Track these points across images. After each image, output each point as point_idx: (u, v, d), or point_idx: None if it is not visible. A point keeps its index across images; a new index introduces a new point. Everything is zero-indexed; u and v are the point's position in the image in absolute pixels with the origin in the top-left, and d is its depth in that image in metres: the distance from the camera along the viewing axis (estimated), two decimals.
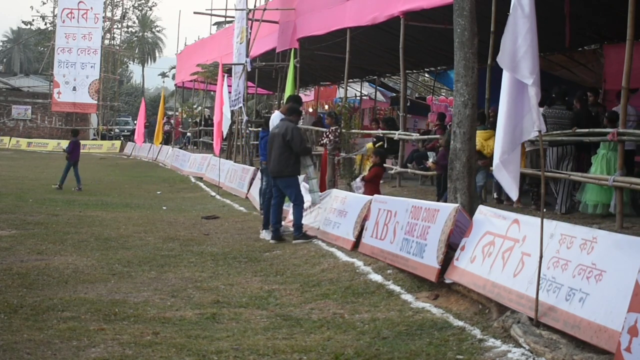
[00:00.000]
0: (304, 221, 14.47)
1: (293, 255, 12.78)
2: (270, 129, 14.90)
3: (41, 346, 7.32)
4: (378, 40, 25.33)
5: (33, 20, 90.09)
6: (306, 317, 8.72)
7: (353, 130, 21.90)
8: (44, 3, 79.00)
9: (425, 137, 21.19)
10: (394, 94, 36.85)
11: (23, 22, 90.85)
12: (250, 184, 22.01)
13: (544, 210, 7.88)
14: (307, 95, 44.44)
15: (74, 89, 59.78)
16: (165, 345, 7.40)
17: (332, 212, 14.25)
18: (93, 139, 61.71)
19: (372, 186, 15.69)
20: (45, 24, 76.94)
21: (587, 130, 13.31)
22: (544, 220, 7.55)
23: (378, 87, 38.17)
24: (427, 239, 10.12)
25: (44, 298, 9.30)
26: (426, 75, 38.69)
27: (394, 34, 20.41)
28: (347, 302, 9.43)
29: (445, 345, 7.40)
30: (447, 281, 9.48)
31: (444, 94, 40.88)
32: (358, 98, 38.69)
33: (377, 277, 10.56)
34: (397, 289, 9.90)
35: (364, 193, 15.22)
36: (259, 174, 19.36)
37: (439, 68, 31.36)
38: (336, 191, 15.25)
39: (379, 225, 11.98)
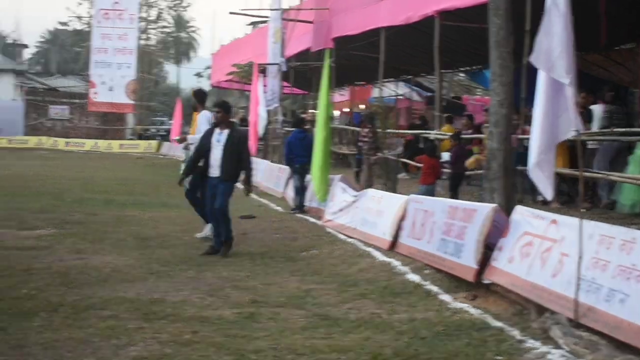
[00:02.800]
0: (343, 221, 14.54)
1: (330, 255, 12.79)
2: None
3: (81, 344, 7.39)
4: (412, 40, 25.30)
5: (69, 21, 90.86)
6: (344, 317, 8.73)
7: (388, 130, 21.88)
8: (80, 4, 79.81)
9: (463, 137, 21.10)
10: (430, 94, 36.79)
11: (60, 23, 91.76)
12: (287, 183, 22.04)
13: (583, 210, 7.84)
14: (342, 95, 44.46)
15: (111, 89, 60.21)
16: (203, 344, 7.45)
17: (369, 211, 14.26)
18: (130, 139, 62.06)
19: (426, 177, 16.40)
20: (82, 25, 77.55)
21: (623, 129, 13.24)
22: (583, 220, 7.52)
23: (413, 87, 38.12)
24: (464, 239, 10.10)
25: (84, 297, 9.39)
26: (461, 74, 38.59)
27: (428, 33, 20.37)
28: (385, 302, 9.43)
29: (484, 346, 7.39)
30: (485, 281, 9.46)
31: (479, 93, 40.74)
32: (393, 98, 38.66)
33: (414, 277, 10.56)
34: (435, 289, 9.89)
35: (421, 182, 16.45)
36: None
37: (474, 67, 31.25)
38: (372, 191, 15.25)
39: (415, 225, 11.98)
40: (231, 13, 42.77)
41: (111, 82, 60.03)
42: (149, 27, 70.48)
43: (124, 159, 39.75)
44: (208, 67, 74.95)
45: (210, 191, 13.14)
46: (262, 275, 11.24)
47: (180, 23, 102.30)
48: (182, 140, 15.52)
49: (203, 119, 14.64)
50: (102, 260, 11.86)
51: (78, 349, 7.23)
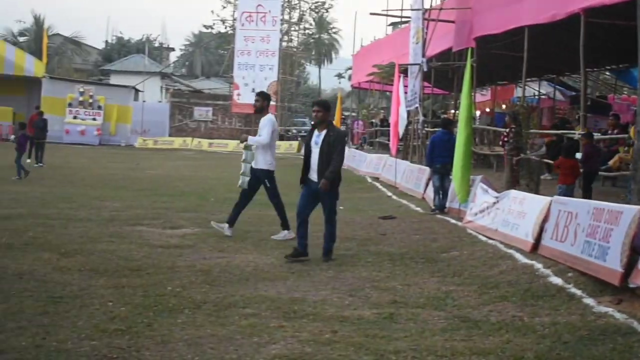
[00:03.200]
0: (484, 222, 14.37)
1: (471, 256, 12.65)
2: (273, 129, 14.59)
3: (224, 341, 7.53)
4: (557, 38, 24.80)
5: (214, 24, 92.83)
6: (484, 319, 8.62)
7: (532, 130, 21.52)
8: (224, 7, 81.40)
9: (607, 137, 20.60)
10: (574, 93, 36.01)
11: (204, 26, 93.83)
12: (427, 184, 21.92)
13: None
14: (484, 95, 43.96)
15: (253, 90, 60.96)
16: (343, 344, 7.48)
17: (511, 213, 14.05)
18: None
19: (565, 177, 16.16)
20: (225, 28, 79.18)
21: None
22: None
23: (557, 86, 37.38)
24: (609, 241, 9.82)
25: (226, 295, 9.56)
26: (607, 73, 37.61)
27: (573, 31, 19.92)
28: (527, 304, 9.26)
29: (629, 352, 7.18)
30: (631, 285, 9.18)
31: (625, 92, 39.62)
32: (536, 97, 38.00)
33: (557, 280, 10.33)
34: (579, 292, 9.65)
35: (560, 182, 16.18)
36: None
37: (620, 66, 30.42)
38: (515, 192, 15.02)
39: (559, 227, 11.73)
40: (372, 14, 42.71)
41: (253, 83, 60.85)
42: (291, 29, 71.11)
43: None
44: (349, 68, 75.37)
45: (306, 194, 12.57)
46: (402, 276, 11.21)
47: (322, 24, 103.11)
48: (242, 140, 15.06)
49: (267, 122, 14.50)
50: (244, 259, 12.04)
51: (221, 346, 7.37)
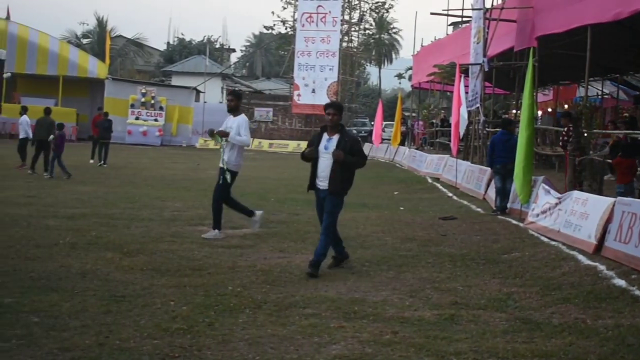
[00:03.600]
0: (546, 223, 14.22)
1: (532, 257, 12.54)
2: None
3: (284, 341, 7.56)
4: (621, 37, 24.45)
5: (274, 25, 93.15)
6: (546, 321, 8.54)
7: (595, 131, 21.26)
8: (284, 8, 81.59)
9: None
10: (638, 93, 35.50)
11: (265, 27, 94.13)
12: (488, 185, 21.79)
13: None
14: (546, 95, 43.55)
15: (313, 91, 61.18)
16: (404, 345, 7.46)
17: (573, 214, 13.90)
18: None
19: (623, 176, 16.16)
20: (286, 28, 79.28)
21: None
22: None
23: (620, 86, 36.89)
24: None
25: (287, 295, 9.59)
26: None
27: (637, 29, 19.64)
28: (589, 307, 9.15)
29: None
30: None
31: None
32: (599, 97, 37.53)
33: (620, 282, 10.19)
34: None
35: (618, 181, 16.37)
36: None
37: None
38: (577, 193, 14.85)
39: (622, 228, 11.58)
40: (432, 14, 42.38)
41: (314, 84, 61.00)
42: (352, 29, 71.10)
43: None
44: (409, 68, 75.17)
45: (319, 203, 11.68)
46: (463, 277, 11.15)
47: (382, 25, 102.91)
48: (212, 133, 14.49)
49: (245, 122, 14.39)
50: (304, 259, 12.06)
51: (281, 346, 7.40)
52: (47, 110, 28.35)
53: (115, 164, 32.79)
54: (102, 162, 32.54)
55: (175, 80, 75.78)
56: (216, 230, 14.32)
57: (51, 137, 26.95)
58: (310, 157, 11.45)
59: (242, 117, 14.55)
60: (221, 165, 14.16)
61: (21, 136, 28.93)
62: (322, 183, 11.41)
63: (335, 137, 11.34)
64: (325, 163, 11.33)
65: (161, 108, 58.25)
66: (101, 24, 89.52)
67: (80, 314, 8.27)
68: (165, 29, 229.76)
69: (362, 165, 11.59)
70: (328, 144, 11.32)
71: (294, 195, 21.91)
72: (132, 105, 57.55)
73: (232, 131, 14.14)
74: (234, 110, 14.61)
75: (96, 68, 59.18)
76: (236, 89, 15.57)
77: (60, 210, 17.16)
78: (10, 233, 13.57)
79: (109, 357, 6.88)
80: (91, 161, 33.73)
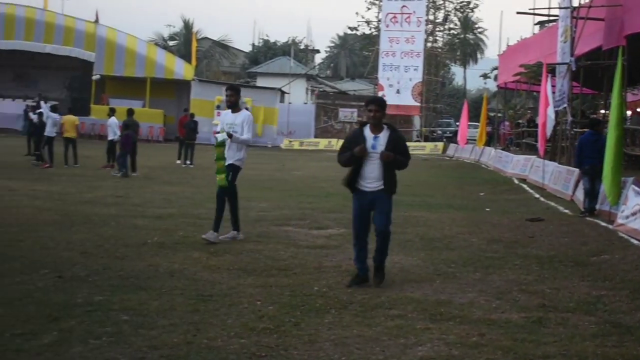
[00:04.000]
0: (636, 225, 13.95)
1: (622, 260, 12.31)
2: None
3: (370, 342, 7.55)
4: None
5: (358, 25, 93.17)
6: (637, 325, 8.37)
7: None
8: (368, 9, 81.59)
9: None
10: None
11: (349, 27, 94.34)
12: (576, 186, 21.47)
13: None
14: (635, 95, 42.74)
15: (398, 91, 61.15)
16: (491, 347, 7.39)
17: None
18: (416, 141, 62.76)
19: None
20: (370, 29, 79.36)
21: None
22: None
23: None
24: None
25: (372, 295, 9.57)
26: None
27: None
28: None
29: None
30: None
31: None
32: None
33: None
34: None
35: None
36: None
37: None
38: None
39: None
40: (518, 13, 42.08)
41: (398, 84, 60.95)
42: (436, 29, 70.82)
43: (410, 160, 40.14)
44: (495, 68, 74.42)
45: (359, 209, 10.44)
46: (551, 280, 10.99)
47: (467, 24, 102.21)
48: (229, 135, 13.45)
49: (249, 119, 13.74)
50: (390, 260, 11.99)
51: (367, 347, 7.39)
52: (130, 112, 28.83)
53: (202, 165, 33.15)
54: (189, 162, 32.97)
55: (260, 82, 76.36)
56: (235, 232, 13.86)
57: (117, 136, 27.64)
58: (362, 156, 10.24)
59: (247, 114, 13.87)
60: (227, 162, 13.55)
61: (110, 137, 29.43)
62: (371, 185, 10.32)
63: (383, 135, 10.30)
64: (375, 163, 10.25)
65: (246, 109, 58.67)
66: (187, 26, 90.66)
67: (168, 313, 8.38)
68: (251, 30, 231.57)
69: (405, 166, 10.56)
70: (375, 143, 10.25)
71: None
72: (218, 107, 58.13)
73: (238, 130, 13.45)
74: (233, 105, 13.74)
75: (183, 70, 60.01)
76: (235, 83, 14.81)
77: (148, 210, 17.42)
78: (100, 232, 13.82)
79: (196, 356, 6.96)
80: (177, 162, 34.18)
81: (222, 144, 13.53)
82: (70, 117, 30.46)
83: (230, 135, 13.40)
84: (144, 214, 16.69)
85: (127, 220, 15.57)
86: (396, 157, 10.27)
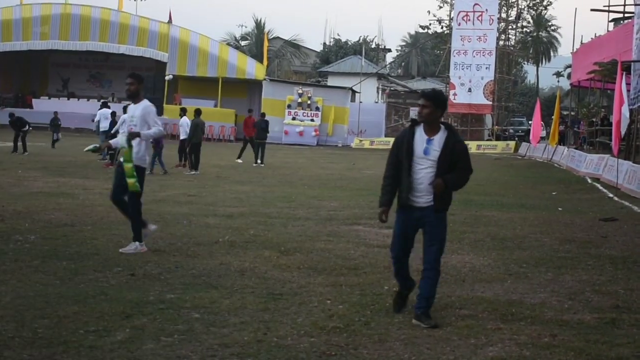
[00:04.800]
0: None
1: None
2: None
3: (440, 342, 7.51)
4: None
5: (430, 24, 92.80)
6: None
7: None
8: (440, 7, 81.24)
9: None
10: None
11: (420, 26, 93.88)
12: None
13: None
14: None
15: (469, 90, 60.69)
16: (562, 349, 7.31)
17: None
18: (488, 139, 62.30)
19: None
20: (442, 27, 78.89)
21: None
22: None
23: None
24: None
25: (442, 295, 9.51)
26: None
27: None
28: None
29: None
30: None
31: None
32: None
33: None
34: None
35: None
36: None
37: None
38: None
39: None
40: (593, 10, 41.53)
41: (470, 83, 60.53)
42: (509, 27, 70.13)
43: (481, 159, 39.92)
44: (568, 66, 73.59)
45: (403, 226, 8.73)
46: (624, 280, 10.83)
47: (540, 22, 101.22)
48: (134, 136, 11.82)
49: (153, 111, 12.25)
50: (461, 259, 11.97)
51: (437, 347, 7.36)
52: (198, 112, 29.13)
53: (272, 164, 33.37)
54: (260, 161, 33.17)
55: (331, 81, 76.50)
56: (137, 243, 12.00)
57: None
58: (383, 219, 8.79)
59: (146, 105, 12.20)
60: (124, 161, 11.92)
61: (181, 137, 29.76)
62: (421, 199, 8.40)
63: (439, 138, 8.37)
64: (425, 172, 8.33)
65: (317, 108, 58.95)
66: (259, 26, 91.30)
67: (239, 311, 8.44)
68: (322, 30, 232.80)
69: (466, 182, 8.62)
70: (429, 147, 8.34)
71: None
72: (289, 106, 58.49)
73: (137, 123, 11.97)
74: (134, 95, 12.16)
75: (254, 69, 60.44)
76: (136, 72, 13.31)
77: (220, 209, 17.56)
78: (172, 231, 13.97)
79: (267, 354, 7.00)
80: (238, 160, 34.29)
81: (129, 145, 11.82)
82: None
83: (135, 135, 11.87)
84: (215, 212, 16.83)
85: (199, 218, 15.73)
86: (448, 177, 8.30)
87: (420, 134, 8.42)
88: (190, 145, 28.21)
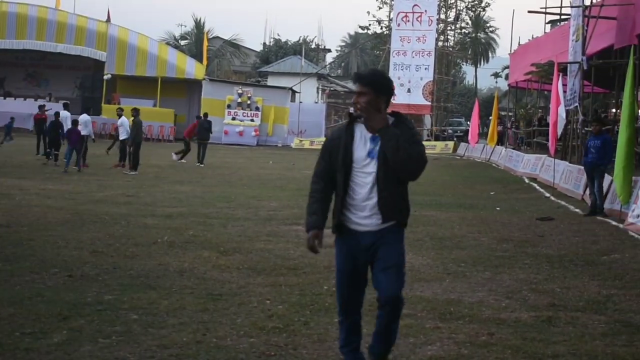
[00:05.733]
0: None
1: (633, 259, 12.30)
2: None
3: None
4: None
5: (370, 24, 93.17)
6: None
7: None
8: (380, 8, 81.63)
9: None
10: None
11: (360, 27, 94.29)
12: (587, 185, 21.43)
13: None
14: None
15: (409, 90, 61.07)
16: (500, 347, 7.38)
17: None
18: (427, 140, 62.73)
19: None
20: (381, 28, 79.28)
21: None
22: None
23: None
24: None
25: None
26: None
27: None
28: None
29: None
30: None
31: None
32: None
33: None
34: None
35: None
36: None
37: None
38: None
39: None
40: (530, 12, 42.14)
41: (409, 83, 60.89)
42: (448, 28, 70.68)
43: None
44: (506, 67, 74.37)
45: (357, 263, 6.57)
46: (561, 279, 10.97)
47: (479, 23, 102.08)
48: None
49: None
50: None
51: None
52: (136, 111, 28.88)
53: (212, 164, 33.24)
54: (199, 162, 33.02)
55: (271, 81, 76.36)
56: None
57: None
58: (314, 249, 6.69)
59: None
60: None
61: (122, 137, 29.44)
62: (365, 220, 6.35)
63: (388, 133, 6.16)
64: (368, 183, 6.26)
65: (257, 108, 58.87)
66: (199, 25, 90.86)
67: (178, 312, 8.39)
68: (262, 29, 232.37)
69: (419, 163, 6.26)
70: (375, 148, 6.23)
71: None
72: (229, 106, 58.29)
73: None
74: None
75: (194, 69, 60.17)
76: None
77: (159, 209, 17.46)
78: (110, 231, 13.85)
79: (206, 355, 6.97)
80: (174, 157, 34.08)
81: None
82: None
83: None
84: (154, 213, 16.73)
85: (138, 219, 15.61)
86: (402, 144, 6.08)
87: (361, 132, 6.23)
88: (134, 145, 27.94)
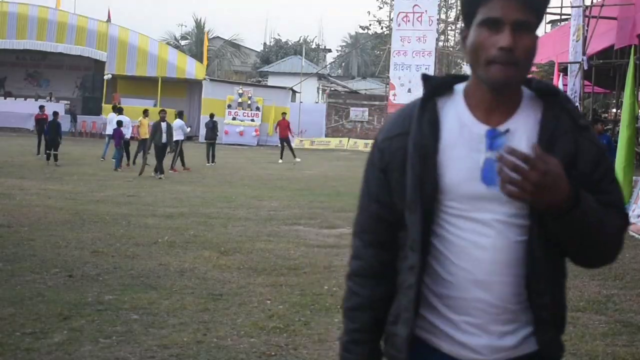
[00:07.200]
0: None
1: (633, 260, 12.29)
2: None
3: None
4: None
5: (370, 24, 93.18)
6: None
7: None
8: (380, 8, 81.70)
9: None
10: None
11: (360, 27, 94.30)
12: None
13: None
14: None
15: (409, 90, 60.92)
16: None
17: None
18: None
19: None
20: (382, 28, 79.23)
21: None
22: None
23: None
24: None
25: None
26: None
27: None
28: None
29: None
30: None
31: None
32: None
33: None
34: None
35: None
36: None
37: None
38: None
39: None
40: None
41: (409, 84, 60.76)
42: (448, 28, 70.57)
43: None
44: None
45: None
46: None
47: None
48: None
49: None
50: None
51: None
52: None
53: (212, 164, 33.23)
54: (212, 161, 33.24)
55: (272, 81, 76.34)
56: None
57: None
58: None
59: None
60: None
61: (177, 138, 29.17)
62: (481, 338, 2.41)
63: (524, 123, 2.55)
64: (490, 248, 2.38)
65: (258, 108, 58.80)
66: (199, 25, 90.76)
67: (178, 312, 8.39)
68: (262, 29, 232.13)
69: (617, 240, 2.50)
70: (495, 142, 2.43)
71: None
72: (229, 106, 58.22)
73: None
74: None
75: (194, 69, 60.13)
76: None
77: (159, 209, 17.45)
78: (111, 231, 13.85)
79: (206, 355, 6.97)
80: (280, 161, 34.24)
81: None
82: None
83: None
84: (154, 213, 16.72)
85: (138, 219, 15.61)
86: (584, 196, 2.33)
87: (460, 120, 2.59)
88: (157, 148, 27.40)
